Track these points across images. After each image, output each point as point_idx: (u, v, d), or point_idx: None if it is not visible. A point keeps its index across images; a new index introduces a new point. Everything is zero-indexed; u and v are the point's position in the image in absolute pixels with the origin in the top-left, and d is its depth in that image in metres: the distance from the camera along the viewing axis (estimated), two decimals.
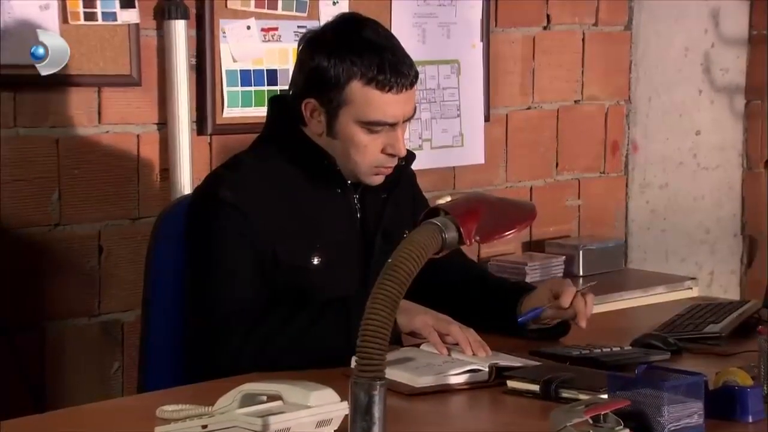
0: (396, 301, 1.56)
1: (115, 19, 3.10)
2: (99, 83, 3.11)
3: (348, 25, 2.37)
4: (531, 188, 4.10)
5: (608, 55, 4.27)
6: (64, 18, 3.02)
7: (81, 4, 3.04)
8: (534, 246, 4.07)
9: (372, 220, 2.45)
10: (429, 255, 1.63)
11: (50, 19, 2.99)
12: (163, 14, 3.18)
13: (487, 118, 3.92)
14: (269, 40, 3.38)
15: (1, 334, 2.93)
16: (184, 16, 3.19)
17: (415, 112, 2.37)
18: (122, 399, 2.47)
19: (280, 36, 3.38)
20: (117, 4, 3.09)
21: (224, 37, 3.30)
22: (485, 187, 3.95)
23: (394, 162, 2.38)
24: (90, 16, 3.06)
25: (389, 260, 1.58)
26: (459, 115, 3.84)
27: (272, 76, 3.37)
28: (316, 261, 2.35)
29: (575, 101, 4.21)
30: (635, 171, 4.40)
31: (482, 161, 3.92)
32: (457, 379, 2.10)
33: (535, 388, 2.02)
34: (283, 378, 1.91)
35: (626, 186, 4.39)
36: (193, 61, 3.26)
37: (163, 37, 3.20)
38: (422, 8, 3.73)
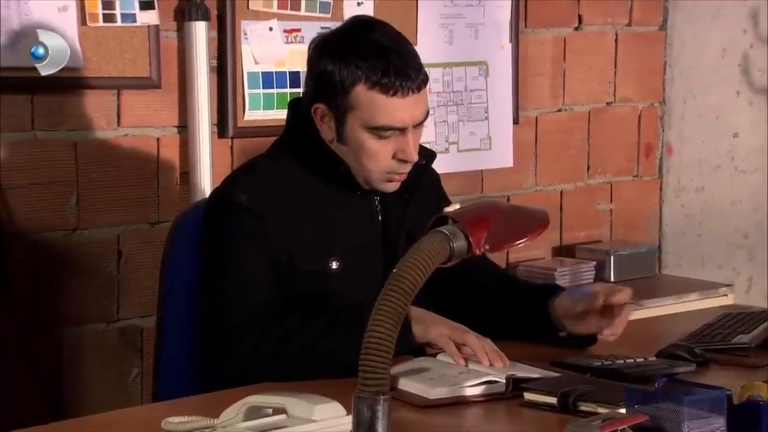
0: (401, 312, 1.51)
1: (135, 21, 3.07)
2: (118, 85, 3.08)
3: (357, 28, 2.32)
4: (561, 192, 4.04)
5: (642, 56, 4.20)
6: (82, 20, 2.99)
7: (100, 5, 3.01)
8: (564, 251, 4.01)
9: (394, 222, 2.40)
10: (436, 264, 1.58)
11: (68, 21, 2.95)
12: (183, 15, 3.15)
13: (515, 121, 3.86)
14: (292, 42, 3.33)
15: (18, 340, 2.90)
16: (205, 17, 3.15)
17: (427, 116, 2.31)
18: (130, 409, 2.43)
19: (303, 37, 3.33)
20: (136, 5, 3.06)
21: (246, 38, 3.25)
22: (514, 190, 3.89)
23: (407, 168, 2.32)
24: (109, 18, 3.03)
25: (394, 270, 1.53)
26: (487, 118, 3.78)
27: (295, 78, 3.32)
28: (334, 265, 2.30)
29: (607, 103, 4.14)
30: (670, 174, 4.32)
31: (511, 164, 3.86)
32: (472, 390, 2.05)
33: (553, 400, 1.97)
34: (292, 389, 1.88)
35: (660, 190, 4.31)
36: (214, 62, 3.22)
37: (183, 38, 3.16)
38: (449, 9, 3.67)
